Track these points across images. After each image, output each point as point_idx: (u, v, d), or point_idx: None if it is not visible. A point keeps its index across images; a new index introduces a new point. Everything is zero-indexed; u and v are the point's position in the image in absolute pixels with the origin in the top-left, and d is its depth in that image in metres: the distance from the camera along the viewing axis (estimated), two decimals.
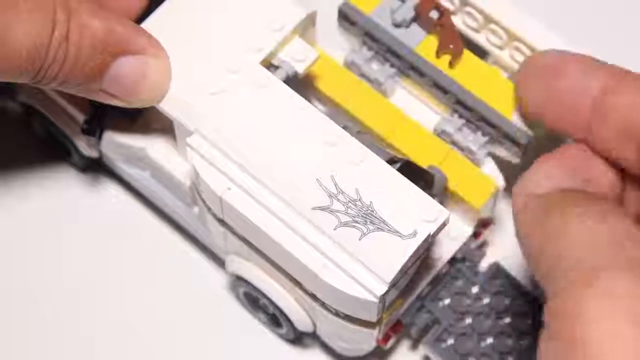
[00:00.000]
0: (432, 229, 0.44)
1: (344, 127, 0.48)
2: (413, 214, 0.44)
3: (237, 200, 0.45)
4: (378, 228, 0.44)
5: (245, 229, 0.46)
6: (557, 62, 0.45)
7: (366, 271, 0.44)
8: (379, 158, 0.45)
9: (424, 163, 0.49)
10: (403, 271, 0.44)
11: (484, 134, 0.50)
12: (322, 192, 0.45)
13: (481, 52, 0.51)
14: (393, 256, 0.44)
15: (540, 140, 0.50)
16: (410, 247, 0.44)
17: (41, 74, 0.45)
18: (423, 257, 0.47)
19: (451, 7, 0.51)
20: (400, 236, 0.44)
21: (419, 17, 0.50)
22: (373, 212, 0.44)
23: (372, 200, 0.44)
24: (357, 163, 0.45)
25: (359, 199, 0.44)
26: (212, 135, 0.46)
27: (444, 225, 0.45)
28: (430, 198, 0.45)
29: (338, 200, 0.44)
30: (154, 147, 0.51)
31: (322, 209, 0.44)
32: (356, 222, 0.44)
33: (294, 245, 0.45)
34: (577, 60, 0.45)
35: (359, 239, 0.44)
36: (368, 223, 0.44)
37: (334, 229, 0.44)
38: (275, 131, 0.46)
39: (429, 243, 0.45)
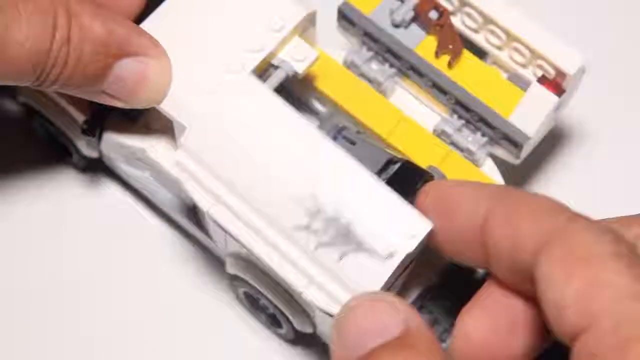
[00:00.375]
0: (411, 246, 0.43)
1: (344, 127, 0.48)
2: (394, 230, 0.43)
3: (222, 217, 0.45)
4: (357, 248, 0.43)
5: (234, 242, 0.46)
6: (447, 202, 0.41)
7: (347, 292, 0.43)
8: (362, 170, 0.45)
9: (423, 163, 0.49)
10: (386, 288, 0.44)
11: (483, 135, 0.50)
12: (303, 210, 0.44)
13: (480, 53, 0.51)
14: (373, 277, 0.43)
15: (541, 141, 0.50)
16: (389, 268, 0.43)
17: (42, 77, 0.45)
18: (412, 266, 0.46)
19: (450, 8, 0.51)
20: (379, 257, 0.43)
21: (418, 18, 0.51)
22: (352, 231, 0.43)
23: (352, 219, 0.44)
24: (339, 177, 0.44)
25: (339, 218, 0.44)
26: (198, 151, 0.46)
27: (425, 239, 0.44)
28: (414, 210, 0.44)
29: (318, 219, 0.44)
30: (154, 147, 0.51)
31: (302, 228, 0.44)
32: (335, 242, 0.43)
33: (277, 263, 0.45)
34: (464, 194, 0.41)
35: (339, 260, 0.43)
36: (347, 244, 0.43)
37: (315, 249, 0.44)
38: (262, 145, 0.45)
39: (414, 255, 0.44)
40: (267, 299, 0.50)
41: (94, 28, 0.45)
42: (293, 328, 0.51)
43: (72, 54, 0.45)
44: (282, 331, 0.53)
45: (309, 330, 0.51)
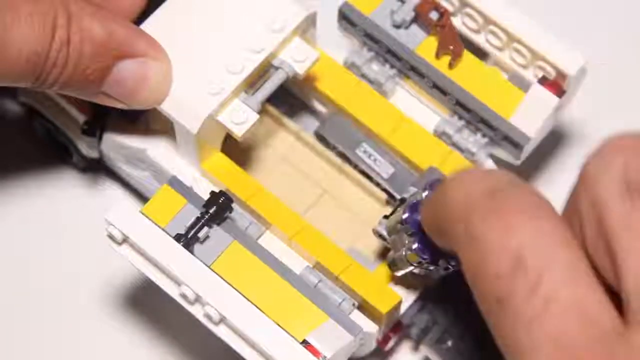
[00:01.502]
0: None
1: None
2: None
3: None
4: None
5: None
6: None
7: None
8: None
9: (424, 164, 0.49)
10: None
11: (483, 136, 0.50)
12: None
13: (481, 54, 0.51)
14: None
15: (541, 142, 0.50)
16: None
17: (42, 78, 0.45)
18: None
19: (451, 8, 0.51)
20: None
21: (419, 18, 0.51)
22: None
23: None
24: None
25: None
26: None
27: None
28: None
29: None
30: (154, 148, 0.51)
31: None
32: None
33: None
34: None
35: None
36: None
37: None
38: None
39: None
40: None
41: (94, 29, 0.45)
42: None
43: (72, 55, 0.45)
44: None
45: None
